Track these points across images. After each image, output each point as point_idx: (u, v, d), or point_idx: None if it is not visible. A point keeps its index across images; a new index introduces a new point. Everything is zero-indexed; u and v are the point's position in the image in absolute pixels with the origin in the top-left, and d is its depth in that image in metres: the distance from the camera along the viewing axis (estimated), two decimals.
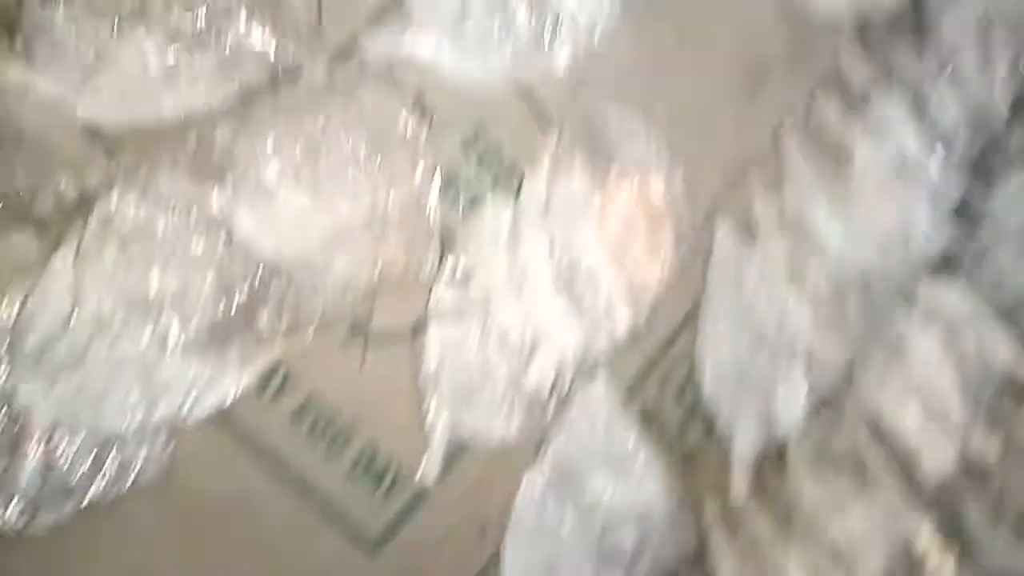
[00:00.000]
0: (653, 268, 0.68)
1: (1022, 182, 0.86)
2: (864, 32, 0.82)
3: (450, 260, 0.67)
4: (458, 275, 0.67)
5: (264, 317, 0.57)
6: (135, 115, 0.55)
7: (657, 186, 0.71)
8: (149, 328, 0.52)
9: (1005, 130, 0.84)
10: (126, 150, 0.56)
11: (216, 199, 0.52)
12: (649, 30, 0.74)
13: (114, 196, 0.52)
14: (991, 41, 0.81)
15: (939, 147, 0.77)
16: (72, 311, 0.51)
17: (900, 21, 0.85)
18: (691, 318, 0.81)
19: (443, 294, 0.67)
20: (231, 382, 0.59)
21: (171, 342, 0.53)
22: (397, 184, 0.62)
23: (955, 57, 0.80)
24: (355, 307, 0.63)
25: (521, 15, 0.67)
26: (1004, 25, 0.83)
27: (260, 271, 0.56)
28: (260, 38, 0.56)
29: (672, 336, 0.81)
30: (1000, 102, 0.80)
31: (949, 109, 0.78)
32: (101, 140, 0.56)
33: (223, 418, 0.63)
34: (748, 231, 0.80)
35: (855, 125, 0.79)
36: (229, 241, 0.55)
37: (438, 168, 0.66)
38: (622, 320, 0.64)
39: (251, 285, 0.56)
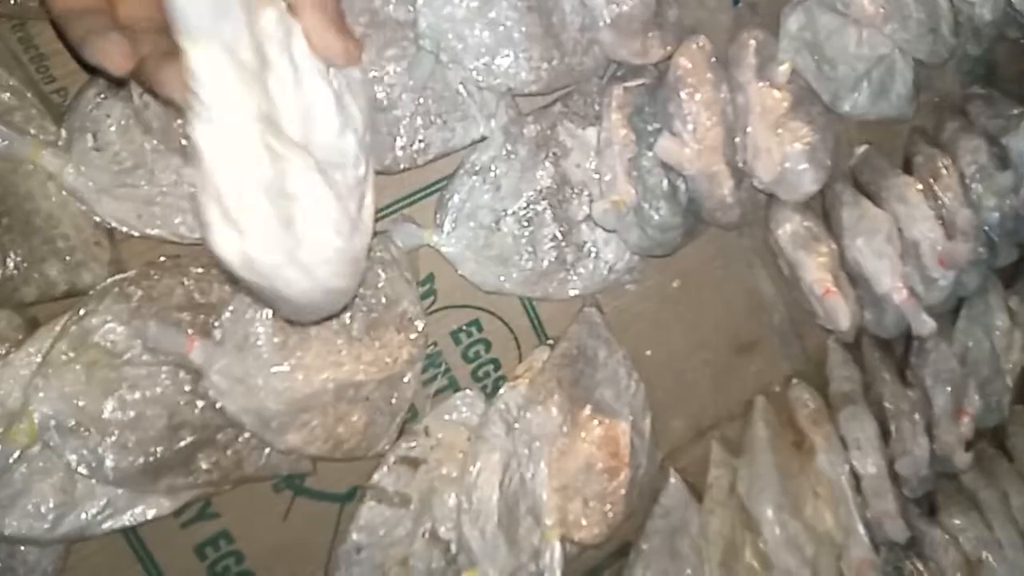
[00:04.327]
0: (597, 520, 0.65)
1: (965, 523, 0.85)
2: (856, 342, 0.83)
3: (406, 441, 0.65)
4: (409, 459, 0.64)
5: (203, 461, 0.54)
6: (150, 229, 0.53)
7: (624, 430, 0.69)
8: (86, 450, 0.49)
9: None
10: (130, 261, 0.55)
11: (199, 345, 0.50)
12: (658, 283, 0.75)
13: (99, 314, 0.49)
14: (964, 392, 0.82)
15: (892, 481, 0.76)
16: (17, 412, 0.47)
17: (890, 346, 0.86)
18: (620, 556, 0.77)
19: (388, 474, 0.64)
20: (148, 508, 0.55)
21: (103, 468, 0.49)
22: (381, 362, 0.60)
23: (931, 400, 0.81)
24: (296, 464, 0.60)
25: (548, 241, 0.67)
26: (977, 381, 0.84)
27: (214, 420, 0.53)
28: None
29: (595, 568, 0.77)
30: (961, 452, 0.80)
31: (914, 451, 0.78)
32: (110, 243, 0.54)
33: (128, 531, 0.59)
34: (697, 492, 0.78)
35: (823, 428, 0.78)
36: (195, 387, 0.52)
37: (424, 352, 0.65)
38: (550, 565, 0.61)
39: (201, 431, 0.53)
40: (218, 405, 0.52)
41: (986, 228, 0.82)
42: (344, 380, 0.57)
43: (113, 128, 0.53)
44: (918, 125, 0.88)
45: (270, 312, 0.53)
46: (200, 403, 0.52)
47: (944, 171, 0.82)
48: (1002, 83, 0.95)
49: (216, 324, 0.51)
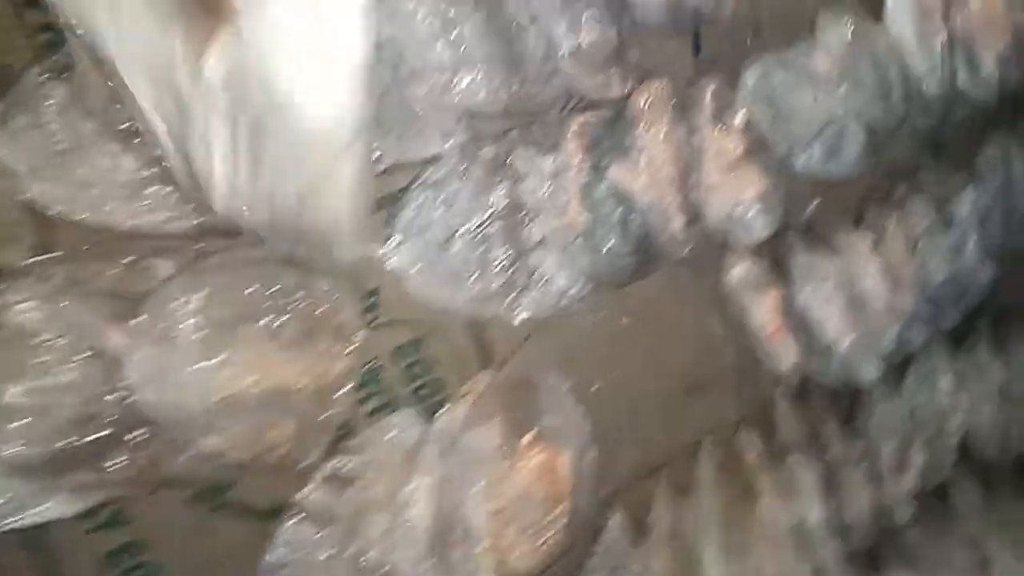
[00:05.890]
0: (533, 550, 0.61)
1: None
2: (803, 391, 0.82)
3: (338, 459, 0.61)
4: (339, 477, 0.61)
5: (114, 459, 0.50)
6: (82, 213, 0.51)
7: (565, 461, 0.66)
8: None
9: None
10: (57, 246, 0.52)
11: (118, 331, 0.47)
12: (611, 317, 0.73)
13: (16, 292, 0.46)
14: (909, 447, 0.81)
15: (837, 532, 0.74)
16: None
17: (837, 396, 0.85)
18: None
19: (316, 491, 0.60)
20: (52, 508, 0.51)
21: (1, 457, 0.45)
22: (313, 371, 0.57)
23: (876, 450, 0.80)
24: (218, 471, 0.56)
25: (499, 261, 0.65)
26: (922, 437, 0.83)
27: (130, 415, 0.49)
28: None
29: None
30: (904, 505, 0.78)
31: (858, 501, 0.76)
32: (37, 224, 0.52)
33: (32, 535, 0.54)
34: (640, 531, 0.74)
35: (768, 474, 0.76)
36: (111, 376, 0.49)
37: (363, 366, 0.62)
38: None
39: (114, 425, 0.49)
40: (134, 398, 0.48)
41: (931, 289, 0.82)
42: (273, 386, 0.54)
43: (54, 108, 0.51)
44: (870, 185, 0.89)
45: (199, 304, 0.50)
46: (115, 395, 0.49)
47: (892, 229, 0.83)
48: (950, 154, 0.97)
49: (141, 309, 0.48)
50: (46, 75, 0.51)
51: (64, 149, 0.51)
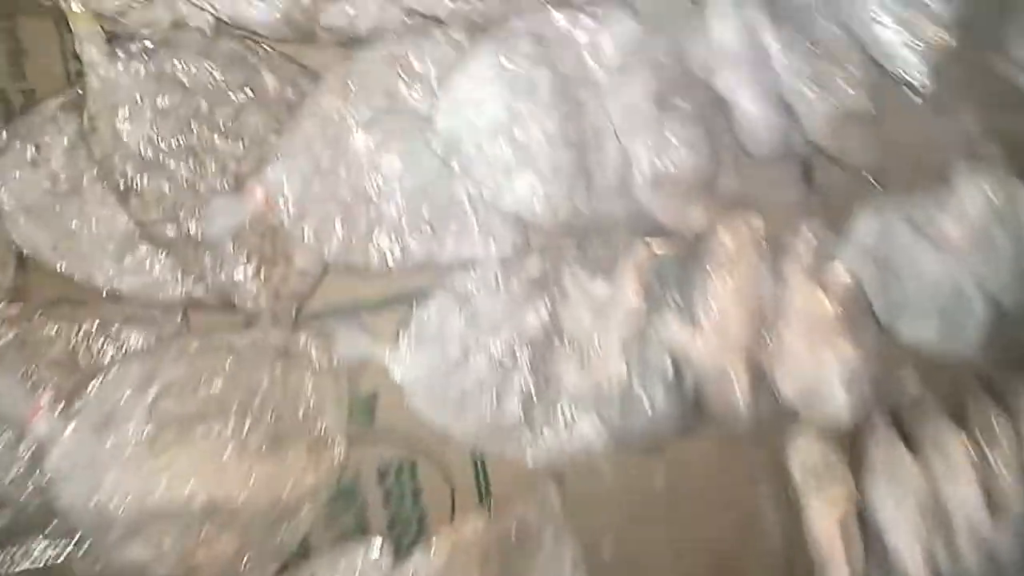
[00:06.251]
0: None
1: None
2: None
3: None
4: None
5: (19, 552, 0.43)
6: (65, 263, 0.46)
7: None
8: None
9: None
10: (32, 295, 0.47)
11: (48, 414, 0.40)
12: (640, 477, 0.62)
13: None
14: None
15: None
16: None
17: None
18: None
19: None
20: None
21: None
22: (275, 484, 0.49)
23: None
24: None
25: (517, 394, 0.56)
26: None
27: (47, 507, 0.42)
28: (243, 274, 0.47)
29: None
30: None
31: None
32: (16, 270, 0.46)
33: None
34: None
35: None
36: (33, 462, 0.42)
37: (338, 482, 0.54)
38: None
39: (22, 515, 0.42)
40: (52, 491, 0.41)
41: None
42: (218, 498, 0.46)
43: (65, 143, 0.46)
44: (982, 372, 0.75)
45: (154, 394, 0.43)
46: (32, 483, 0.42)
47: (1001, 434, 0.69)
48: None
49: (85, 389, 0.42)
50: (66, 107, 0.46)
51: (62, 192, 0.46)
